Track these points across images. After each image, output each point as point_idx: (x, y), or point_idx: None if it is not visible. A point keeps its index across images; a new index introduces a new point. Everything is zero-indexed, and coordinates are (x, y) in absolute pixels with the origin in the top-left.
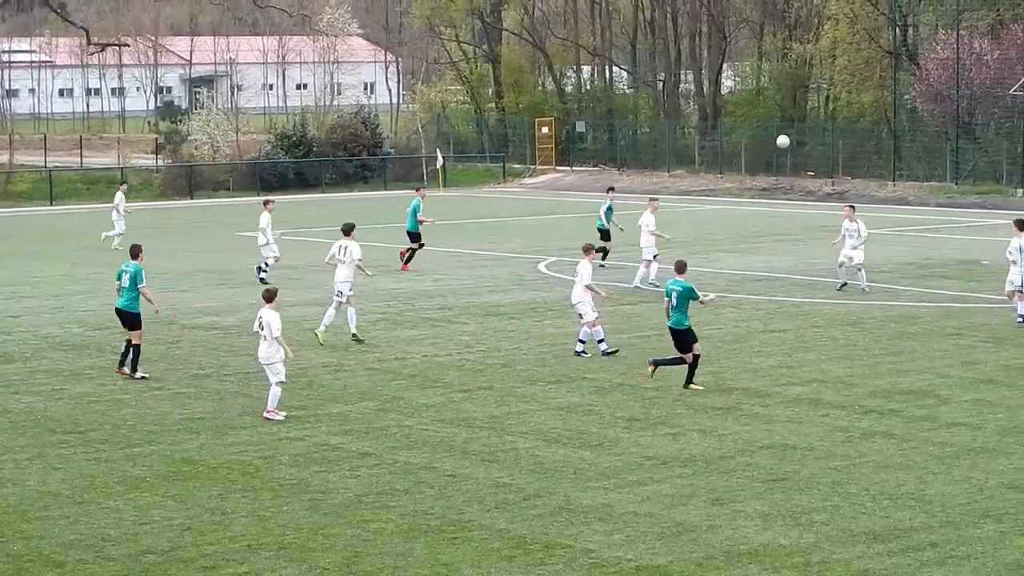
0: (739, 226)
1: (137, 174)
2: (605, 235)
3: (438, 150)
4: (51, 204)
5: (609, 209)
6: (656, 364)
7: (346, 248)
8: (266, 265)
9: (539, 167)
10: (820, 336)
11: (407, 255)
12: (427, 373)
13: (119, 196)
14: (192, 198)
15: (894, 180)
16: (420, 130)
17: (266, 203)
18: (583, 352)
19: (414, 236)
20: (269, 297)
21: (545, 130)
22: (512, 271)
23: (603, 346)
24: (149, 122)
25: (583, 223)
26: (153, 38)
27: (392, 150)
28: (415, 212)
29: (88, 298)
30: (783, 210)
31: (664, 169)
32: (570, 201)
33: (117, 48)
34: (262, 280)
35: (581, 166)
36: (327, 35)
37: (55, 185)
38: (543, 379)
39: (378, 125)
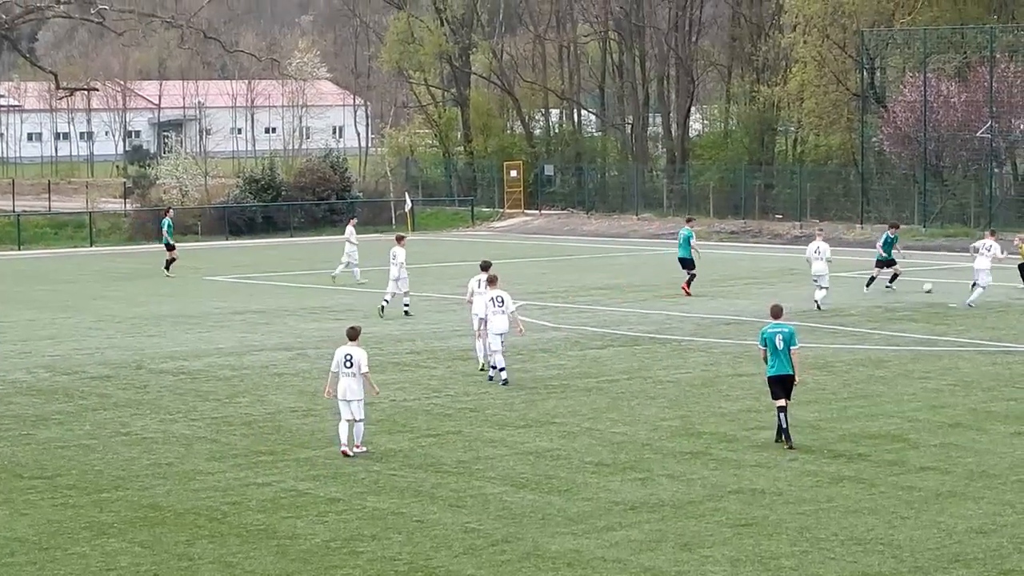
0: (707, 269)
1: (105, 218)
2: (689, 264)
3: (407, 194)
4: (19, 249)
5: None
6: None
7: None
8: (385, 299)
9: (508, 210)
10: None
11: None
12: (395, 418)
13: (350, 229)
14: (160, 242)
15: (862, 223)
16: (389, 174)
17: (399, 239)
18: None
19: (687, 263)
20: (354, 335)
21: (514, 173)
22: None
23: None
24: (118, 166)
25: (552, 266)
26: (122, 82)
27: (361, 194)
28: (687, 241)
29: (56, 343)
30: (751, 253)
31: (632, 212)
32: (539, 244)
33: (86, 92)
34: (382, 304)
35: (550, 209)
36: (296, 79)
37: (23, 230)
38: (511, 424)
39: (347, 169)
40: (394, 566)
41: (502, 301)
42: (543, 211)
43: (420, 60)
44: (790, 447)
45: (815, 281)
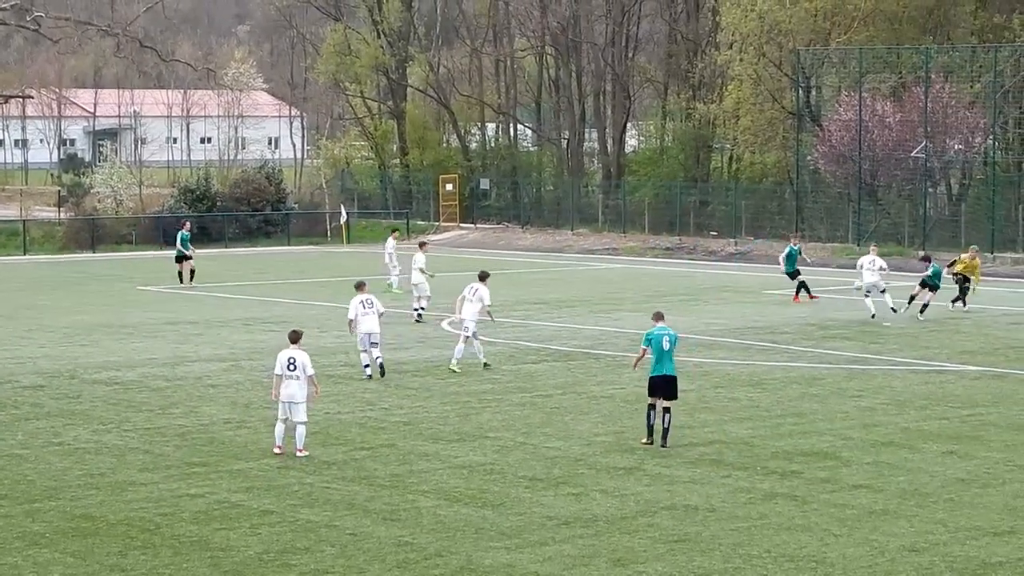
0: (641, 285)
1: (39, 227)
2: (794, 274)
3: (342, 206)
4: None
5: (794, 254)
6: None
7: (476, 290)
8: (422, 308)
9: (443, 224)
10: (722, 397)
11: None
12: (329, 430)
13: (391, 243)
14: (95, 251)
15: (799, 237)
16: (324, 185)
17: (421, 244)
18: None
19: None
20: (296, 338)
21: (449, 187)
22: (415, 328)
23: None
24: (52, 174)
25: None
26: (57, 90)
27: (296, 205)
28: (793, 257)
29: None
30: (686, 270)
31: (568, 227)
32: (474, 258)
33: (20, 100)
34: (419, 319)
35: (485, 223)
36: (232, 89)
37: None
38: (445, 437)
39: (282, 180)
40: None
41: (372, 303)
42: (478, 225)
43: (356, 72)
44: (663, 445)
45: (868, 294)
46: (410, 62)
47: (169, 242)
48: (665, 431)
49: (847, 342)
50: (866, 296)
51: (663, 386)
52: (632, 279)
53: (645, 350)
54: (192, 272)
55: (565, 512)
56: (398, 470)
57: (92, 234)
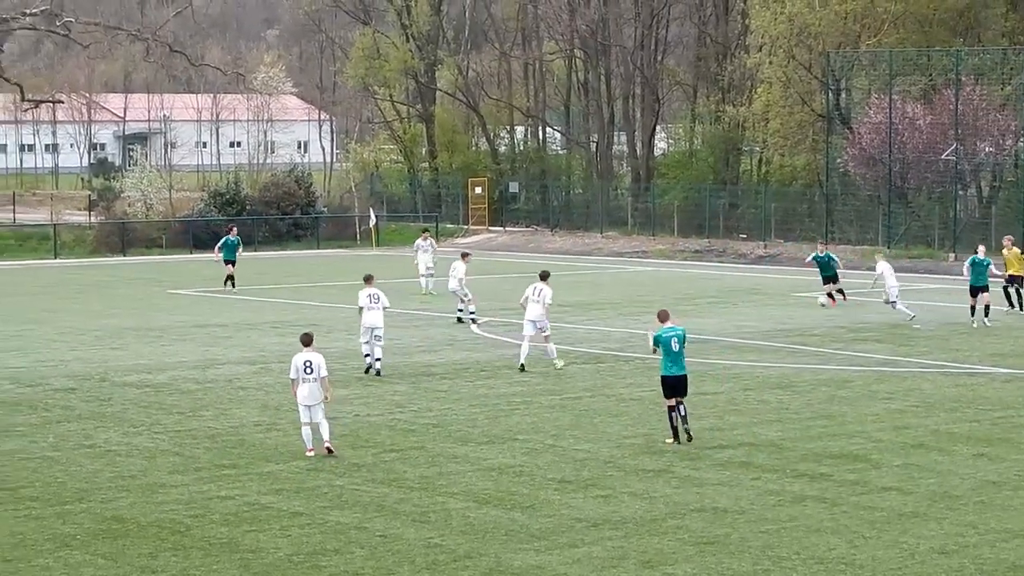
0: (671, 288)
1: (70, 231)
2: (982, 289)
3: (371, 209)
4: None
5: (986, 264)
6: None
7: (540, 290)
8: (471, 313)
9: (472, 227)
10: (751, 399)
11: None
12: (358, 432)
13: (420, 243)
14: (125, 255)
15: (826, 243)
16: (353, 189)
17: (464, 255)
18: None
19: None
20: (309, 341)
21: (478, 190)
22: (444, 331)
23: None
24: (82, 179)
25: (517, 283)
26: (87, 95)
27: (325, 209)
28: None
29: (20, 355)
30: (715, 272)
31: (597, 230)
32: (503, 261)
33: (51, 104)
34: (470, 320)
35: (514, 226)
36: (261, 93)
37: None
38: (475, 440)
39: (311, 184)
40: None
41: (378, 298)
42: (507, 228)
43: (385, 76)
44: (689, 439)
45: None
46: (439, 66)
47: (199, 246)
48: (683, 417)
49: (877, 344)
50: (893, 304)
51: (677, 386)
52: (661, 282)
53: (656, 350)
54: (231, 278)
55: (594, 514)
56: (428, 472)
57: (122, 238)
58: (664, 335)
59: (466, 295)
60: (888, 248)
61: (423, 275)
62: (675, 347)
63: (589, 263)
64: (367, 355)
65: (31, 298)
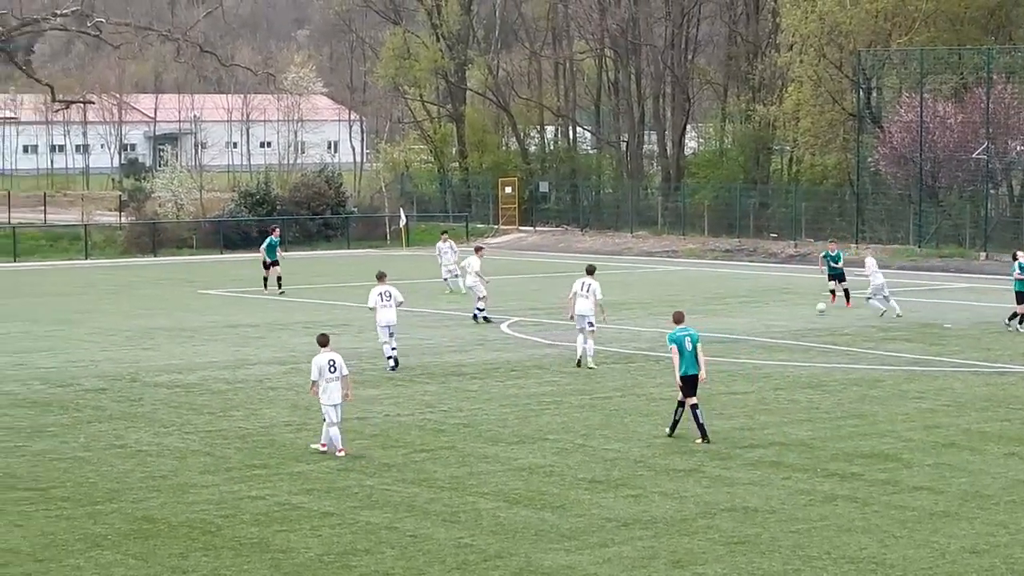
0: (701, 288)
1: (101, 231)
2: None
3: (401, 209)
4: (15, 261)
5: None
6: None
7: (589, 285)
8: (481, 310)
9: (502, 227)
10: (782, 399)
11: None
12: (389, 432)
13: (443, 245)
14: (155, 255)
15: (857, 242)
16: (384, 189)
17: (477, 249)
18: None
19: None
20: (325, 341)
21: (508, 190)
22: (475, 331)
23: None
24: (113, 179)
25: (547, 283)
26: (118, 95)
27: (355, 209)
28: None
29: (50, 355)
30: (745, 272)
31: (627, 230)
32: (533, 261)
33: (82, 105)
34: (486, 319)
35: (544, 226)
36: (291, 93)
37: (19, 242)
38: (505, 440)
39: (341, 184)
40: None
41: (390, 296)
42: (538, 228)
43: (416, 76)
44: (706, 440)
45: (871, 298)
46: (469, 65)
47: (229, 246)
48: (701, 426)
49: (908, 344)
50: (869, 300)
51: (692, 385)
52: (692, 281)
53: (674, 349)
54: (279, 279)
55: (624, 514)
56: (458, 472)
57: (153, 238)
58: (678, 336)
59: (482, 292)
60: (919, 247)
61: (447, 277)
62: (688, 347)
63: (619, 263)
64: (388, 356)
65: (62, 298)
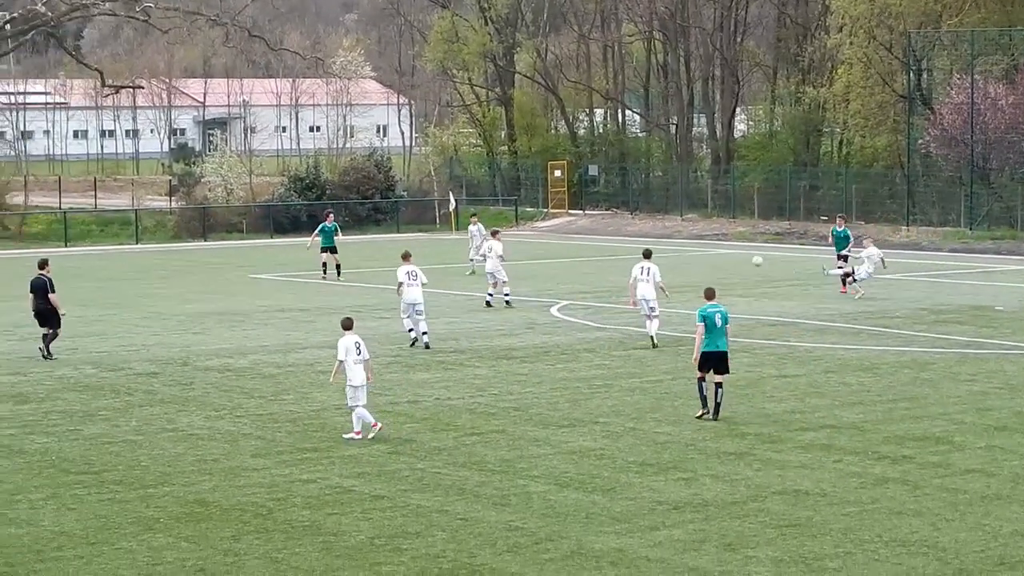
0: (751, 271)
1: (151, 216)
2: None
3: (451, 193)
4: (66, 245)
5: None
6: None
7: (649, 268)
8: (506, 295)
9: (551, 210)
10: (833, 381)
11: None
12: (439, 416)
13: (473, 228)
14: (206, 240)
15: (908, 225)
16: (433, 173)
17: (494, 233)
18: None
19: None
20: (350, 324)
21: (558, 173)
22: (524, 315)
23: None
24: (163, 164)
25: (597, 266)
26: (167, 80)
27: (405, 193)
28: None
29: (102, 340)
30: (795, 255)
31: (677, 213)
32: (583, 245)
33: (131, 90)
34: (508, 303)
35: (594, 209)
36: (340, 78)
37: (70, 227)
38: (555, 423)
39: (391, 168)
40: (438, 564)
41: (416, 275)
42: (587, 211)
43: (464, 59)
44: (715, 419)
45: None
46: (518, 49)
47: (280, 230)
48: (718, 405)
49: (959, 326)
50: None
51: (715, 361)
52: (742, 264)
53: (700, 327)
54: (337, 267)
55: (675, 497)
56: (508, 455)
57: (203, 223)
58: (708, 311)
59: (504, 277)
60: (970, 230)
61: (473, 258)
62: (718, 323)
63: (669, 246)
64: (410, 330)
65: (113, 283)
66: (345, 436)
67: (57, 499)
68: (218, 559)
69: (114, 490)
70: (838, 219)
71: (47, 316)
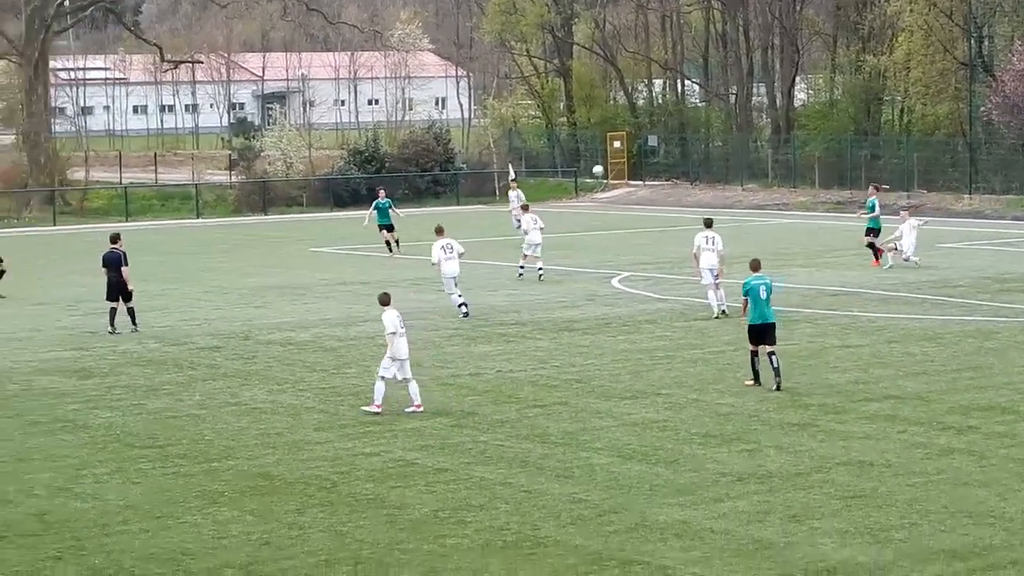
0: (813, 240)
1: (211, 190)
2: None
3: (510, 165)
4: (127, 220)
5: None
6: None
7: (714, 238)
8: (540, 268)
9: (611, 181)
10: (896, 352)
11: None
12: (501, 388)
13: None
14: (266, 214)
15: (970, 193)
16: (492, 145)
17: (524, 207)
18: None
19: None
20: (388, 300)
21: (617, 144)
22: (585, 286)
23: None
24: (222, 138)
25: (657, 237)
26: (225, 55)
27: (464, 165)
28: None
29: (164, 314)
30: (857, 224)
31: (737, 183)
32: (643, 216)
33: (190, 65)
34: (539, 275)
35: (654, 180)
36: (398, 50)
37: (130, 201)
38: (617, 395)
39: (450, 140)
40: (502, 536)
41: (452, 248)
42: (647, 182)
43: (522, 31)
44: (778, 388)
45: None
46: (576, 20)
47: (340, 204)
48: (776, 370)
49: None
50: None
51: (764, 332)
52: (803, 234)
53: (746, 299)
54: (397, 242)
55: (739, 468)
56: (571, 427)
57: (263, 197)
58: (753, 284)
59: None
60: None
61: (518, 225)
62: (762, 295)
63: (730, 216)
64: (460, 304)
65: (174, 257)
66: (364, 408)
67: (122, 473)
68: (283, 532)
69: (178, 464)
70: (871, 188)
71: (123, 289)
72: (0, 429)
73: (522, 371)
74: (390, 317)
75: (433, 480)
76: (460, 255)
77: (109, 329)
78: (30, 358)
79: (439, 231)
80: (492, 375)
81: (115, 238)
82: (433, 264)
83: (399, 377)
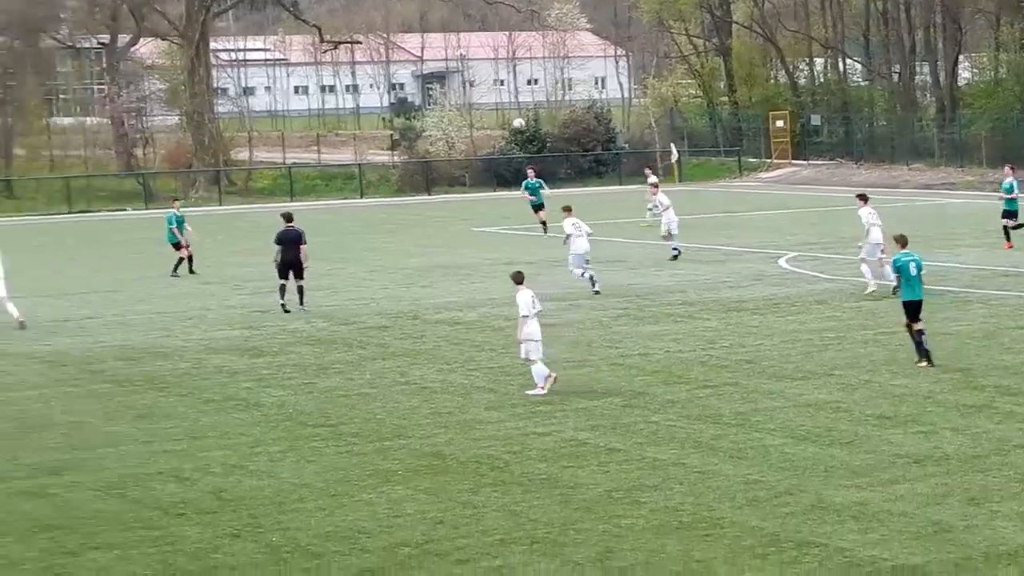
0: (981, 220)
1: (374, 170)
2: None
3: (672, 144)
4: (291, 200)
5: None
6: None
7: (874, 213)
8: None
9: (775, 161)
10: None
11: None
12: (671, 369)
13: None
14: (429, 194)
15: (1013, 168)
16: (653, 125)
17: (566, 209)
18: None
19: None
20: (522, 279)
21: (780, 124)
22: (751, 266)
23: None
24: (383, 118)
25: (823, 217)
26: (384, 35)
27: (626, 145)
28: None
29: (332, 293)
30: None
31: (903, 163)
32: (808, 195)
33: (349, 46)
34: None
35: (818, 160)
36: (556, 30)
37: (295, 181)
38: (788, 376)
39: (611, 120)
40: (677, 517)
41: (580, 226)
42: (810, 161)
43: (680, 9)
44: (931, 364)
45: None
46: None
47: (502, 183)
48: (928, 352)
49: None
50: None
51: (917, 309)
52: (971, 214)
53: (898, 276)
54: (544, 224)
55: (915, 450)
56: (742, 408)
57: (426, 177)
58: (902, 260)
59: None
60: None
61: (650, 208)
62: (912, 271)
63: (896, 196)
64: (591, 277)
65: (340, 237)
66: (528, 392)
67: (295, 451)
68: (457, 511)
69: (351, 442)
70: (1007, 169)
71: (298, 267)
72: (174, 407)
73: (691, 351)
74: (524, 298)
75: (605, 460)
76: (588, 235)
77: (281, 302)
78: (201, 336)
79: (567, 209)
80: (661, 355)
81: (288, 217)
82: (568, 236)
83: (542, 356)
